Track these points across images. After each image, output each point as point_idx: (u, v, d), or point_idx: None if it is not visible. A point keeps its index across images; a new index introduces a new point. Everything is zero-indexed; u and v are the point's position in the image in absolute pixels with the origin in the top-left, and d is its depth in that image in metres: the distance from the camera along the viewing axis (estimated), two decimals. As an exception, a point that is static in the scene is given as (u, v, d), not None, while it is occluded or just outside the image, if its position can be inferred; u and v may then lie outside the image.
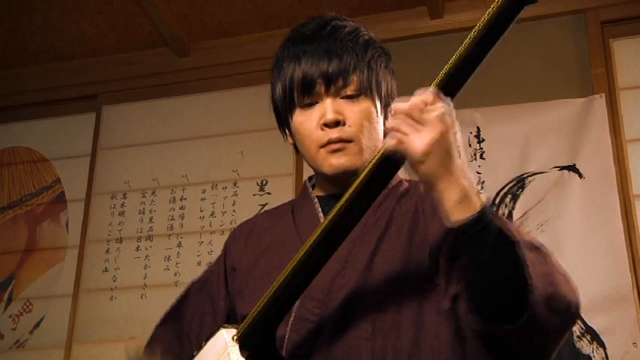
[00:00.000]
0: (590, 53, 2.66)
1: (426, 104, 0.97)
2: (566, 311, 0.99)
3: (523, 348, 1.00)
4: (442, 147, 0.96)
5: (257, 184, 2.90)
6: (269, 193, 2.86)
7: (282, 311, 1.07)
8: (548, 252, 1.03)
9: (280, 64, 1.23)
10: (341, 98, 1.18)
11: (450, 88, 0.99)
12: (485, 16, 0.95)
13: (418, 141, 0.96)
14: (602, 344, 2.30)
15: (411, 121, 0.97)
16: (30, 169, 3.24)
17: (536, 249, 1.01)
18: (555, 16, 2.76)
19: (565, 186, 2.50)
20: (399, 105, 0.99)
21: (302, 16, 1.31)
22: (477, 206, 0.97)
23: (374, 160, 1.01)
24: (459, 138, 1.00)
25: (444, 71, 0.99)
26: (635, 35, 2.67)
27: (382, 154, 1.00)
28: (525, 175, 2.55)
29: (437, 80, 0.99)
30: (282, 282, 1.03)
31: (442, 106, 0.97)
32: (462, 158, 0.99)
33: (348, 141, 1.17)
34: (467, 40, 0.97)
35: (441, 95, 0.98)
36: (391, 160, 1.00)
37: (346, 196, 1.01)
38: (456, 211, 0.97)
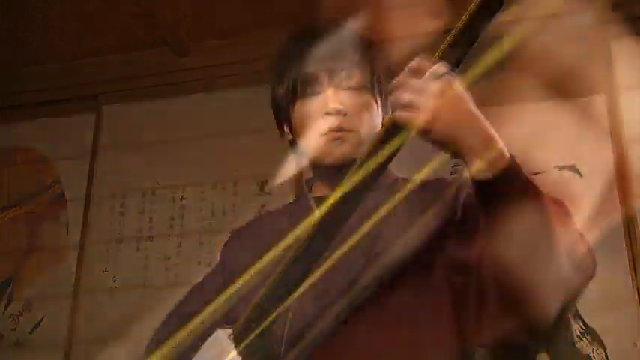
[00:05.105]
0: (590, 53, 2.65)
1: (422, 70, 0.96)
2: (585, 270, 1.04)
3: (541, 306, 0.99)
4: (449, 109, 0.95)
5: (257, 184, 2.90)
6: (269, 193, 2.86)
7: (275, 309, 1.06)
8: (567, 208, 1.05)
9: (284, 61, 1.25)
10: (343, 90, 1.20)
11: (452, 56, 0.98)
12: None
13: (422, 109, 0.94)
14: (602, 344, 2.30)
15: (411, 90, 0.95)
16: (30, 169, 3.24)
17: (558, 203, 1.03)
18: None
19: (565, 186, 2.49)
20: (399, 78, 0.98)
21: (302, 17, 1.31)
22: (505, 156, 0.97)
23: (375, 137, 0.99)
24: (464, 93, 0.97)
25: (445, 42, 0.97)
26: (635, 35, 2.66)
27: (385, 127, 0.98)
28: (525, 175, 2.55)
29: (439, 51, 0.98)
30: (275, 279, 1.03)
31: (439, 68, 0.96)
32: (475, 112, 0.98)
33: (349, 131, 1.18)
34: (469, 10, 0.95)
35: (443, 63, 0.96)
36: (394, 132, 0.97)
37: (341, 187, 1.00)
38: (483, 165, 0.96)
